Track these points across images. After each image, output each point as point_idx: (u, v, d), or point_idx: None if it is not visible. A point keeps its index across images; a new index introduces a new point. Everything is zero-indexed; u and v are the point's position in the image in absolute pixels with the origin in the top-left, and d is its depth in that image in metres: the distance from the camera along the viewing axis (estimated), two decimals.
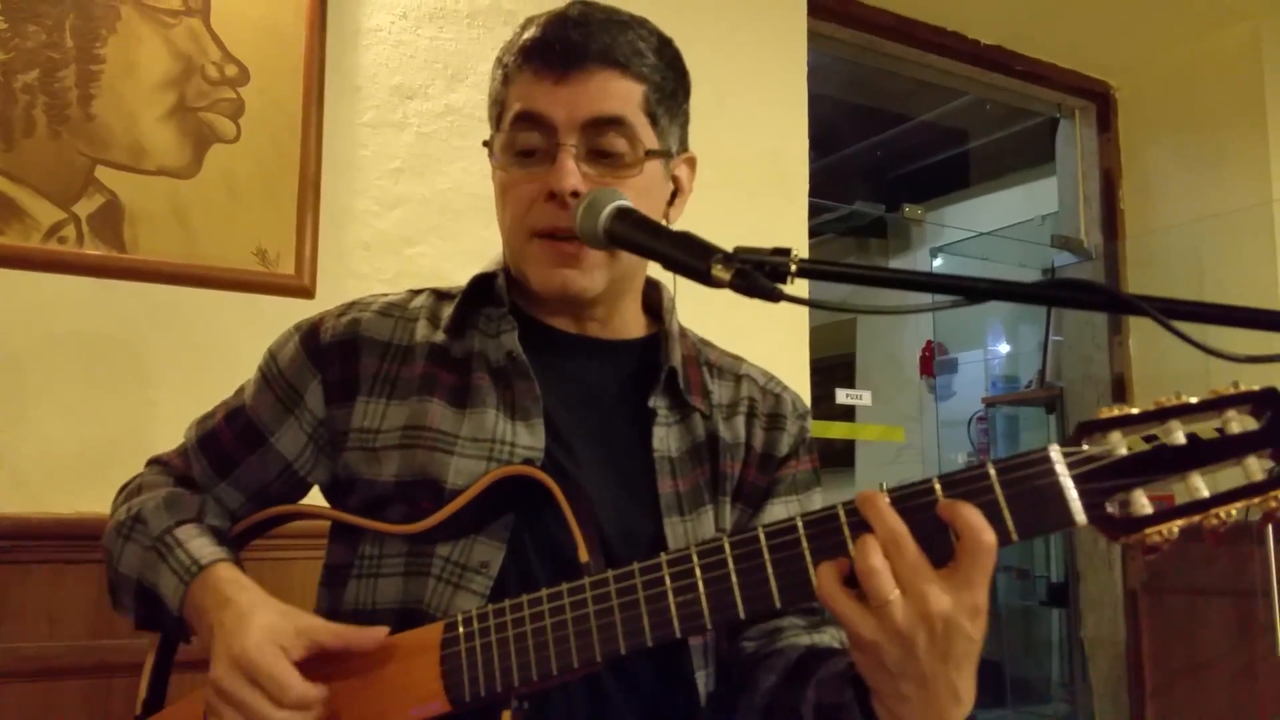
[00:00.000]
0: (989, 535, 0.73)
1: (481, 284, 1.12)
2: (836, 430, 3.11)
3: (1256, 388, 0.73)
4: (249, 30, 1.93)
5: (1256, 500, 0.71)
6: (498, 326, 1.09)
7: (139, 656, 1.64)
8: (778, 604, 0.81)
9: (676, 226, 0.98)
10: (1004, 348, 4.71)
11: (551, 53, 1.01)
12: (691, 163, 1.15)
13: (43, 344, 1.74)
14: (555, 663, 0.86)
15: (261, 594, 0.96)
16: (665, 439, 1.07)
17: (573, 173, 1.00)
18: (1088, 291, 0.83)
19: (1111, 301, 0.83)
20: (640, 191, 1.03)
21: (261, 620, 0.91)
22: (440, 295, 1.14)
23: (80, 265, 1.76)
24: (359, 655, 0.94)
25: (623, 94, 1.02)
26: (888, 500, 0.77)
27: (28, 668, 1.62)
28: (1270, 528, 2.75)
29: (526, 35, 1.05)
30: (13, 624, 1.63)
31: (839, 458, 4.75)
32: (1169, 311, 0.78)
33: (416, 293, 1.16)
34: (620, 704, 1.01)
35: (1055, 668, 4.40)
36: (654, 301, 1.17)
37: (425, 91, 2.13)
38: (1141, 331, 3.47)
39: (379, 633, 0.93)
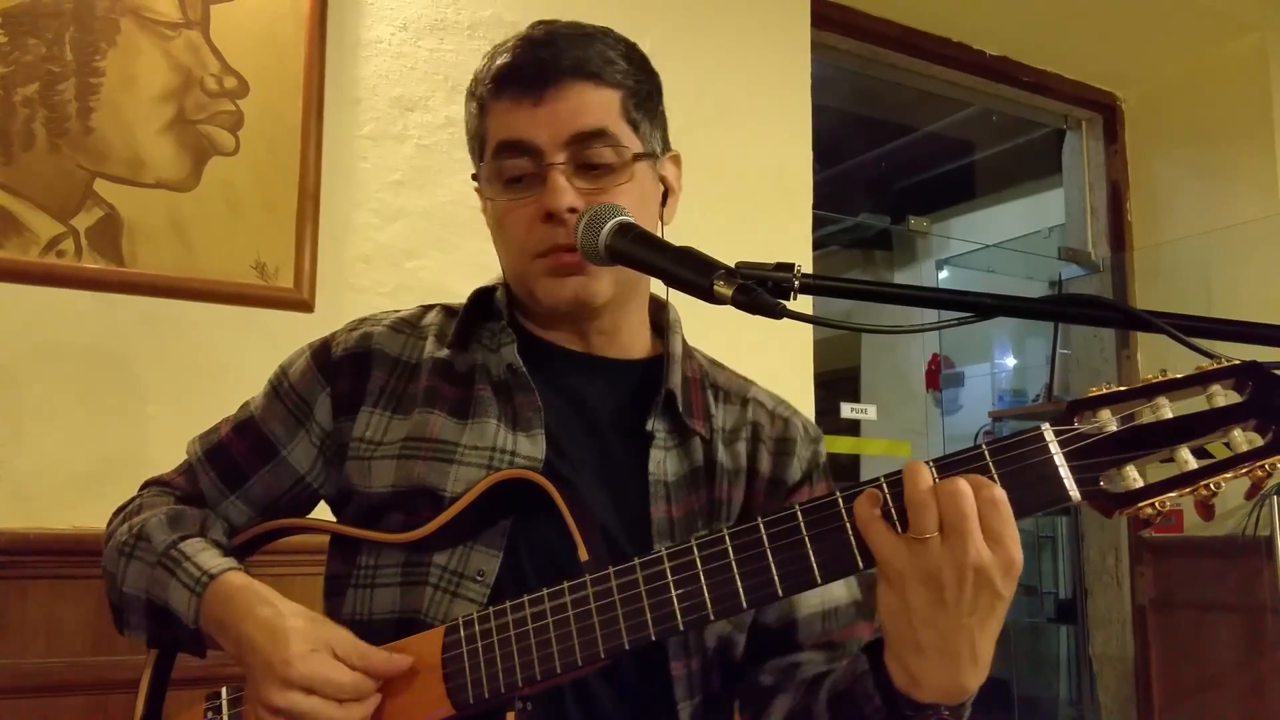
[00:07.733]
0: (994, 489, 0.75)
1: (481, 297, 1.13)
2: (841, 445, 3.10)
3: (1238, 361, 0.76)
4: (249, 42, 1.92)
5: (1244, 470, 0.74)
6: (498, 340, 1.09)
7: (137, 673, 1.62)
8: (779, 592, 0.81)
9: (680, 241, 0.97)
10: (1011, 361, 4.68)
11: (524, 76, 1.02)
12: (677, 160, 1.15)
13: (41, 358, 1.72)
14: (559, 661, 0.86)
15: (282, 601, 0.95)
16: (662, 463, 1.05)
17: (566, 190, 1.00)
18: (1100, 308, 0.82)
19: (1124, 318, 0.82)
20: (635, 198, 1.03)
21: (293, 627, 0.91)
22: (450, 312, 1.15)
23: (79, 279, 1.75)
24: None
25: (601, 104, 1.02)
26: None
27: (26, 684, 1.61)
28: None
29: (497, 63, 1.05)
30: (10, 640, 1.62)
31: (844, 473, 4.73)
32: (1182, 329, 0.78)
33: (428, 309, 1.16)
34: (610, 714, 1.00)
35: (1064, 685, 4.35)
36: (661, 321, 1.16)
37: (426, 103, 2.12)
38: (1150, 345, 3.44)
39: (401, 663, 0.92)
